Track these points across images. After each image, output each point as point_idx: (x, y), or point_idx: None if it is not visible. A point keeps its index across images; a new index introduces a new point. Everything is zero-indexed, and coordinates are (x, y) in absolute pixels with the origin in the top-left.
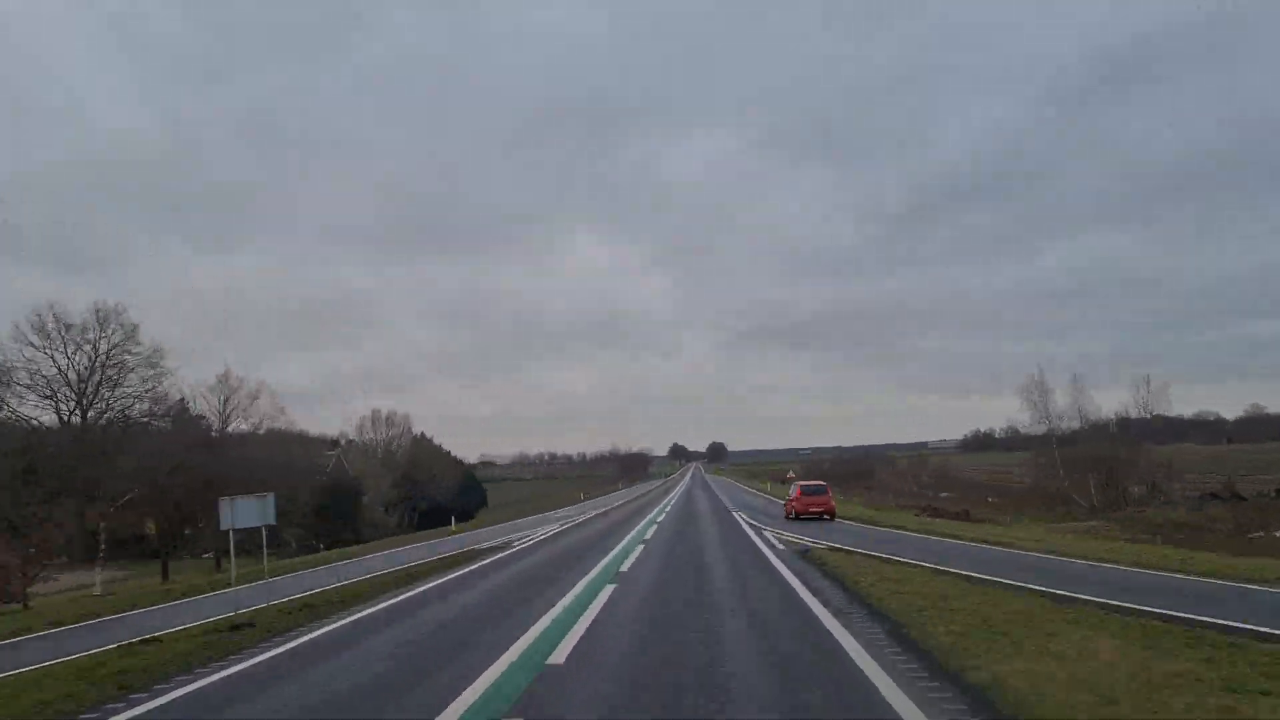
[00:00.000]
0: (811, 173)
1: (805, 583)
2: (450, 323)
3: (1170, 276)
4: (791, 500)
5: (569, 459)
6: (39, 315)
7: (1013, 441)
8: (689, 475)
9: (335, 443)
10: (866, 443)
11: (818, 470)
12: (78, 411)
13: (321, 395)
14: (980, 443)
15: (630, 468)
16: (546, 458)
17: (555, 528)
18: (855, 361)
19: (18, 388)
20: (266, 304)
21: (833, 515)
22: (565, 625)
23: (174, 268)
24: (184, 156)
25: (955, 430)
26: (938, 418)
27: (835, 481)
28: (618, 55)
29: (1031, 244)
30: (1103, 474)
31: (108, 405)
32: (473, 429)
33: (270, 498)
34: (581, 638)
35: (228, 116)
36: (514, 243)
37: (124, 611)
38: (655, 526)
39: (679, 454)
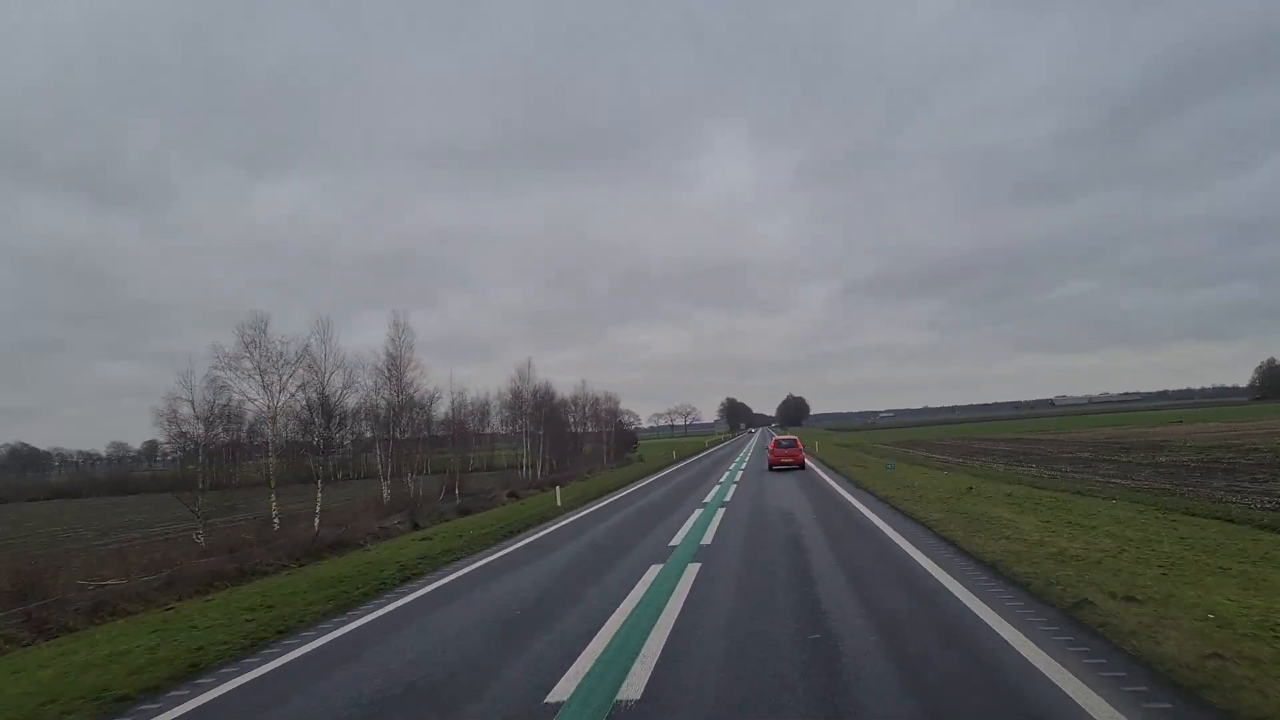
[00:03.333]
0: (1050, 30)
1: None
2: (537, 275)
3: None
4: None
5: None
6: None
7: None
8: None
9: None
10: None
11: None
12: None
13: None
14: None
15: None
16: None
17: None
18: (975, 318)
19: None
20: (327, 246)
21: (802, 465)
22: None
23: (223, 197)
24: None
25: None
26: (1061, 377)
27: None
28: None
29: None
30: None
31: None
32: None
33: None
34: None
35: None
36: (638, 158)
37: None
38: None
39: (735, 414)
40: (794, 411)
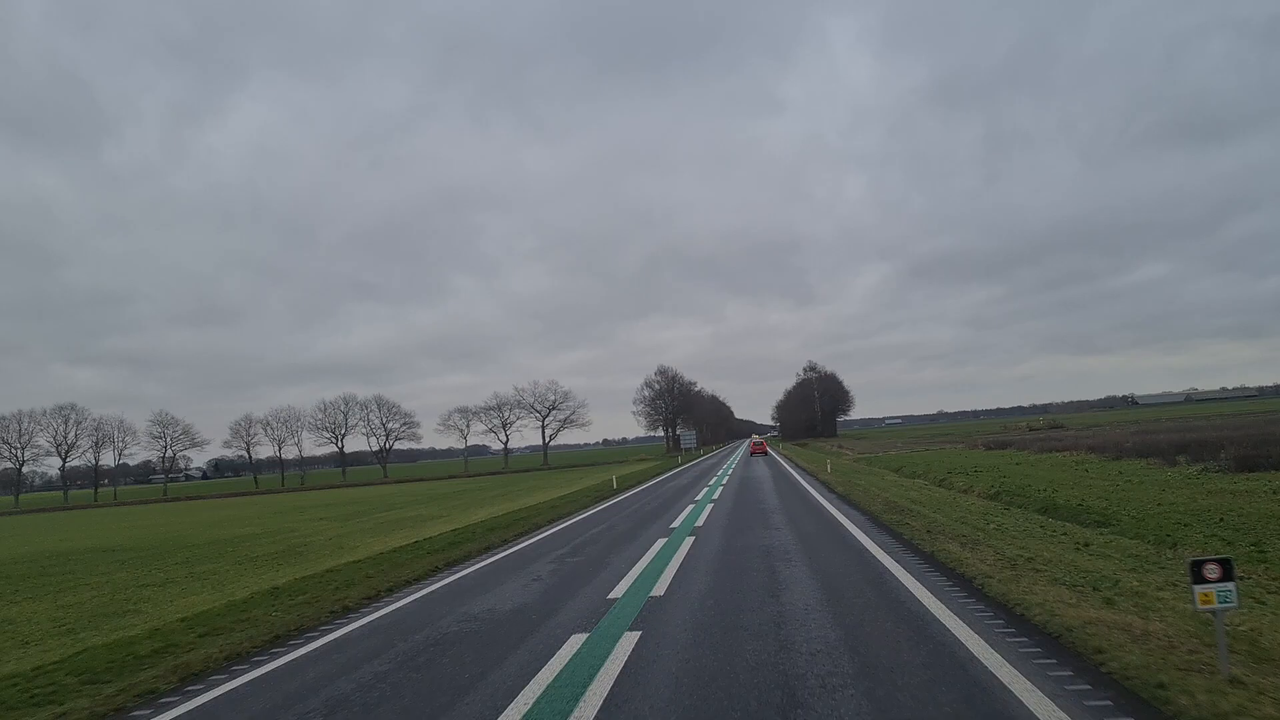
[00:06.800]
0: None
1: None
2: (556, 253)
3: None
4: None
5: None
6: None
7: None
8: None
9: None
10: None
11: None
12: None
13: None
14: None
15: None
16: None
17: None
18: (1026, 310)
19: None
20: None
21: (766, 452)
22: None
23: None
24: None
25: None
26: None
27: None
28: None
29: None
30: None
31: None
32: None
33: None
34: None
35: None
36: (720, 64)
37: None
38: None
39: (685, 410)
40: (815, 409)
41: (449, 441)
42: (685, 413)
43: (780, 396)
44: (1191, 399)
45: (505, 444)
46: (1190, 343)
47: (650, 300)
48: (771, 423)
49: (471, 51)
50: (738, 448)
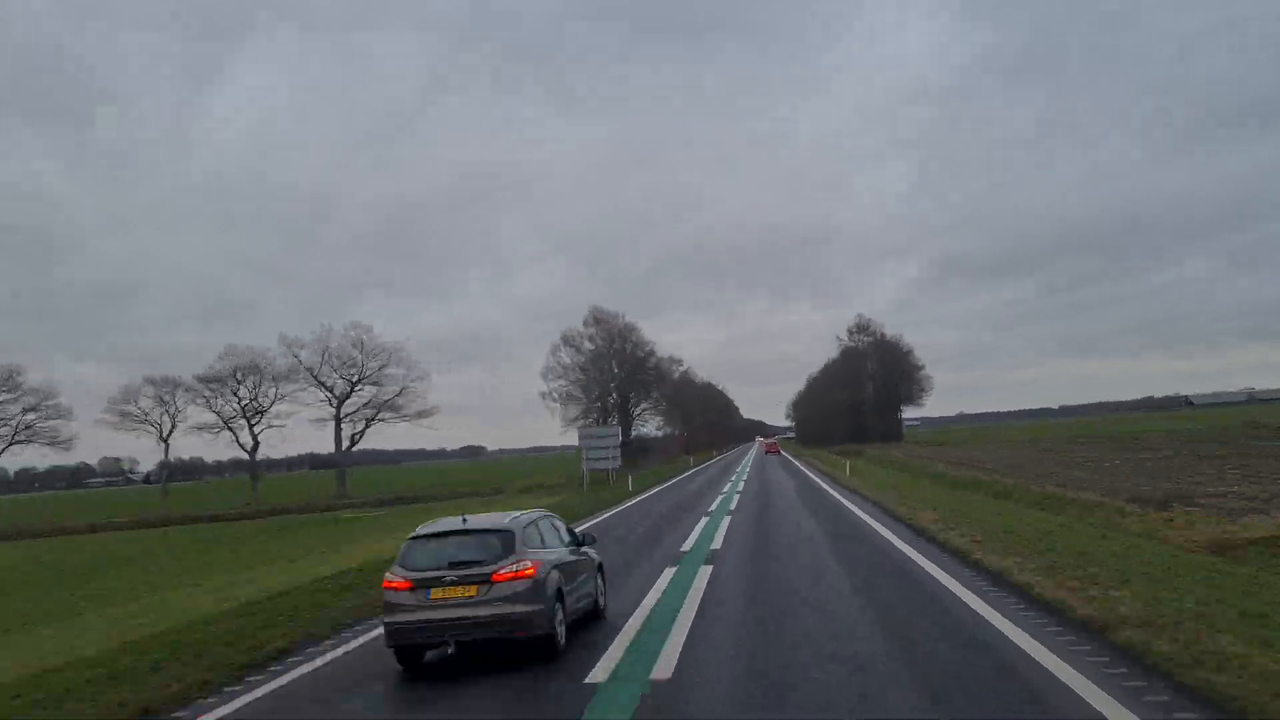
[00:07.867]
0: None
1: None
2: (566, 250)
3: None
4: (764, 446)
5: None
6: None
7: None
8: None
9: None
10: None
11: None
12: None
13: None
14: None
15: None
16: None
17: None
18: (1038, 313)
19: None
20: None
21: (779, 453)
22: None
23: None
24: None
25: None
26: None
27: None
28: None
29: None
30: None
31: None
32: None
33: None
34: None
35: None
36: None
37: None
38: None
39: (640, 387)
40: (866, 394)
41: (224, 451)
42: (643, 394)
43: (792, 396)
44: (1254, 399)
45: (252, 452)
46: (1199, 346)
47: (657, 300)
48: (787, 423)
49: (475, 51)
50: (746, 453)
